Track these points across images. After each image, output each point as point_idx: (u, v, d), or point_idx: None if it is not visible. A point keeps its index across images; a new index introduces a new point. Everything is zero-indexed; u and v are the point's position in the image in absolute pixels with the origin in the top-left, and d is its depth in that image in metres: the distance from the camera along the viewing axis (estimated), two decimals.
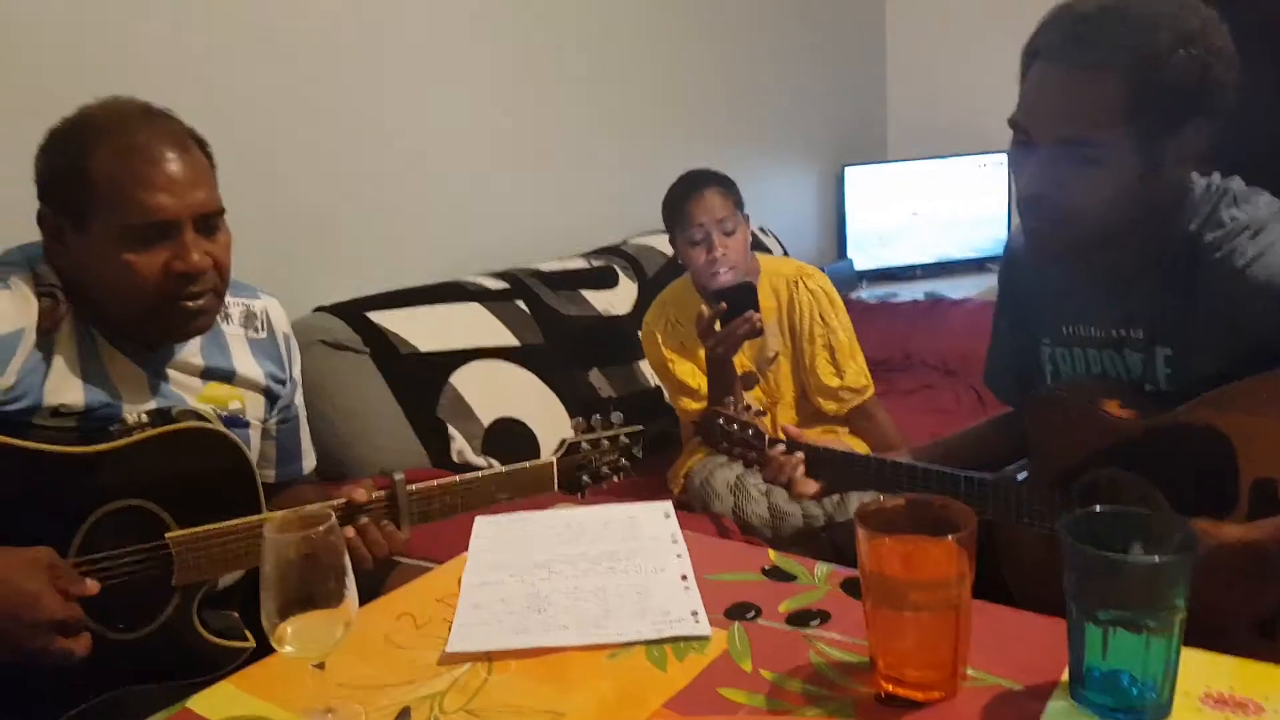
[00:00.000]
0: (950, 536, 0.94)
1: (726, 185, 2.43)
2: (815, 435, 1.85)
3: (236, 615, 1.47)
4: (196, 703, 1.07)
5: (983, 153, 4.31)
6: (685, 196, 2.40)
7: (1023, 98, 1.36)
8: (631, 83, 3.50)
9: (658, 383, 2.87)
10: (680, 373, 2.48)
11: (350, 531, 1.36)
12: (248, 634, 1.41)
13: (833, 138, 4.57)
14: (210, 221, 1.40)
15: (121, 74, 2.07)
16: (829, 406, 2.43)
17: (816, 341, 2.44)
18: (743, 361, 2.37)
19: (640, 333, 2.63)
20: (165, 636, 1.34)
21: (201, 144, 1.42)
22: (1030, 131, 1.34)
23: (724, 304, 2.14)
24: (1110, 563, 0.86)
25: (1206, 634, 0.97)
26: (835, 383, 2.43)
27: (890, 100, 4.92)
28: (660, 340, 2.51)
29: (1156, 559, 0.87)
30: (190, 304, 1.38)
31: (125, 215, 1.32)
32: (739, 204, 2.43)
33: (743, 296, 2.15)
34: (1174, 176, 1.34)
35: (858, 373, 2.45)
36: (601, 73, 3.37)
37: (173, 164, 1.34)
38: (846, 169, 4.40)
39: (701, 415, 1.76)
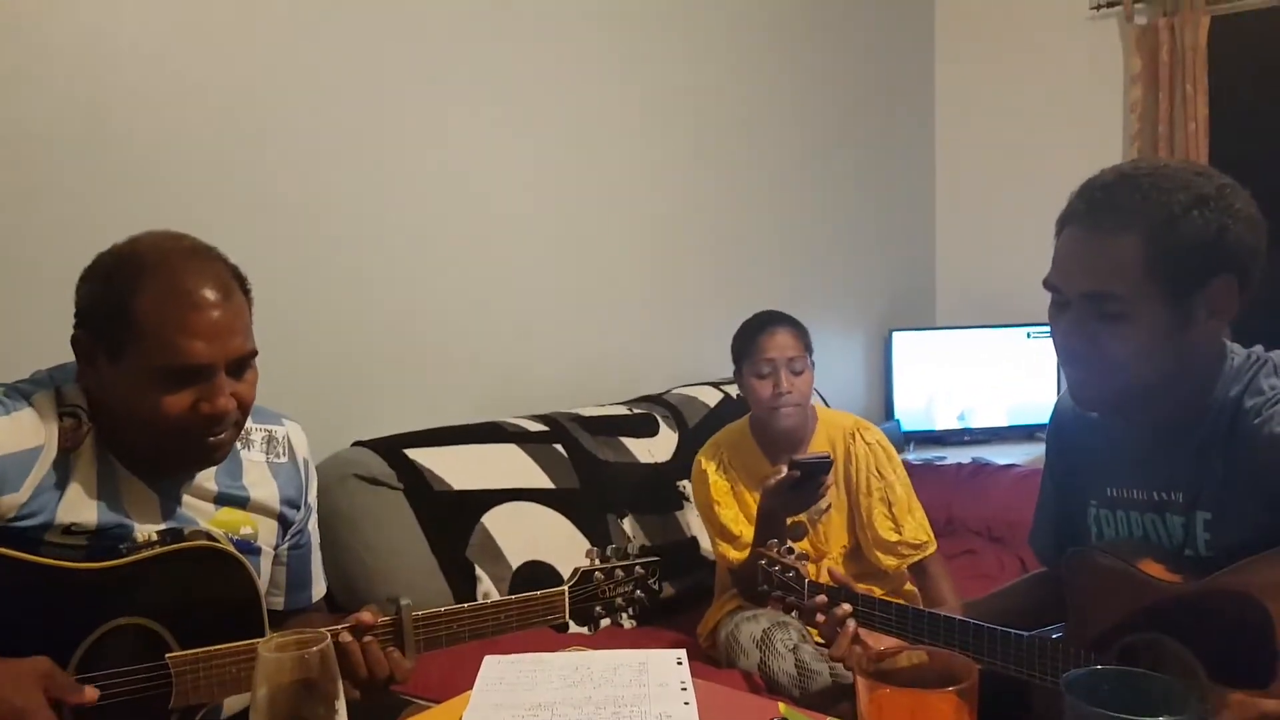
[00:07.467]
0: (952, 689, 0.91)
1: (799, 328, 2.47)
2: None
3: None
4: None
5: (1030, 324, 4.31)
6: (759, 330, 2.45)
7: (1054, 260, 1.43)
8: (681, 237, 3.56)
9: (693, 534, 2.84)
10: (725, 517, 2.44)
11: (347, 636, 1.35)
12: None
13: (882, 302, 4.61)
14: (243, 363, 1.42)
15: (164, 194, 2.16)
16: (888, 562, 2.37)
17: (874, 495, 2.40)
18: None
19: (691, 472, 2.60)
20: None
21: (243, 283, 1.45)
22: (1060, 288, 1.41)
23: (797, 472, 2.11)
24: None
25: None
26: (894, 537, 2.38)
27: (939, 268, 4.97)
28: (710, 480, 2.48)
29: None
30: (211, 439, 1.41)
31: (161, 357, 1.34)
32: (809, 348, 2.46)
33: (819, 470, 2.12)
34: (1207, 335, 1.37)
35: (916, 528, 2.39)
36: (650, 226, 3.44)
37: (214, 311, 1.36)
38: (894, 333, 4.43)
39: (744, 561, 1.73)
